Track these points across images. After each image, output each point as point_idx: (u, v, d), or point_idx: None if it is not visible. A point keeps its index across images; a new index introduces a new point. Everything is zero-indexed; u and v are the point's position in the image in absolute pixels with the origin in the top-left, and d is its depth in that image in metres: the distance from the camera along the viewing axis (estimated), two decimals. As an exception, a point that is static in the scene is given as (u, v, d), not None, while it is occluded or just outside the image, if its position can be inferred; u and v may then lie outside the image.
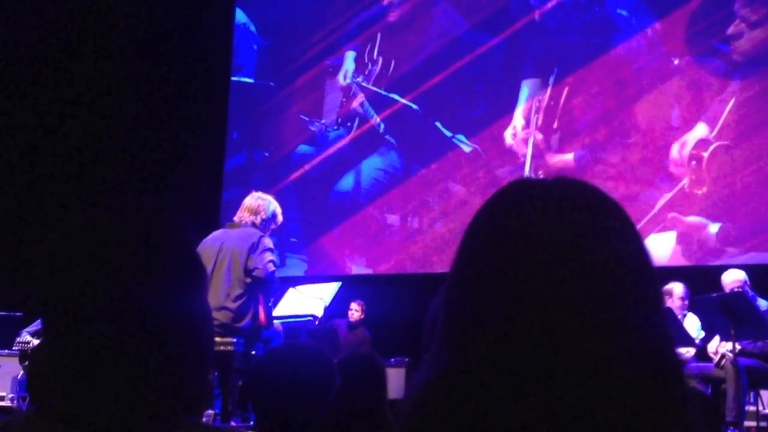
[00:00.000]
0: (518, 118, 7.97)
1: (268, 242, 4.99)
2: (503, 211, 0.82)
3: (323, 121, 8.98)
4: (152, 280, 0.97)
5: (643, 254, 0.80)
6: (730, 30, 7.22)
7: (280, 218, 5.22)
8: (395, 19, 8.78)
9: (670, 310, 5.58)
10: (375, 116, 8.65)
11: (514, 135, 7.93)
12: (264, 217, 5.07)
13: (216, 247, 4.89)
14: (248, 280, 4.88)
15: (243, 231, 4.97)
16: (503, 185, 0.86)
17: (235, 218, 5.15)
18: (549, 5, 8.00)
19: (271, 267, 4.90)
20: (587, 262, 0.75)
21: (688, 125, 7.33)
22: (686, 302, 6.03)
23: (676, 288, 5.96)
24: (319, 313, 5.69)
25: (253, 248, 4.85)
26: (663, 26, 7.56)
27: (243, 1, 9.64)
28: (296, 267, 8.68)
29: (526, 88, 8.00)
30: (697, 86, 7.38)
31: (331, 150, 8.89)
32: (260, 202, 5.10)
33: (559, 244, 0.76)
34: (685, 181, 7.25)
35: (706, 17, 7.38)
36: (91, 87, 9.67)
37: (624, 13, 7.74)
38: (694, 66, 7.42)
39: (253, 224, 5.02)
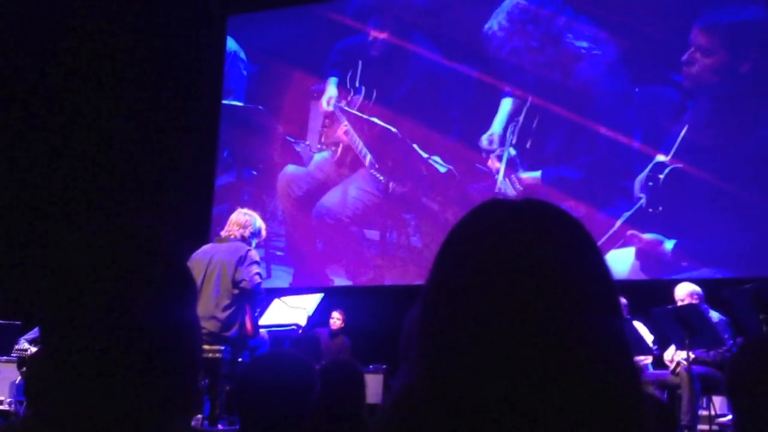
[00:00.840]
0: (497, 126, 8.04)
1: (255, 255, 4.97)
2: (476, 229, 0.82)
3: (308, 143, 8.99)
4: (146, 292, 0.96)
5: (603, 269, 0.81)
6: (685, 57, 7.33)
7: (264, 233, 5.22)
8: (378, 53, 8.84)
9: (629, 321, 5.61)
10: (362, 146, 8.65)
11: (491, 141, 7.99)
12: (251, 231, 5.06)
13: (206, 260, 4.86)
14: (236, 291, 4.85)
15: (231, 245, 4.95)
16: (476, 204, 0.86)
17: (223, 233, 5.13)
18: (504, 52, 8.11)
19: (258, 279, 4.88)
20: (554, 277, 0.76)
21: (646, 148, 7.41)
22: (625, 309, 6.12)
23: None
24: (303, 322, 5.67)
25: (241, 261, 4.83)
26: (623, 54, 7.66)
27: (234, 30, 9.66)
28: (282, 279, 8.65)
29: (505, 106, 8.08)
30: (654, 112, 7.47)
31: (316, 170, 8.89)
32: (247, 218, 5.09)
33: (527, 260, 0.77)
34: (643, 201, 7.32)
35: (661, 47, 7.49)
36: (93, 108, 9.62)
37: (584, 44, 7.83)
38: (651, 94, 7.52)
39: (241, 238, 5.00)
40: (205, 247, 5.06)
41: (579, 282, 0.77)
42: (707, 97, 7.29)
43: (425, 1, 8.68)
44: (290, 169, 8.99)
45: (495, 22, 8.22)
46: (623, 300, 6.05)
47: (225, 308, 4.83)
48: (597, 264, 0.80)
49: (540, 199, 0.85)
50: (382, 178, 8.50)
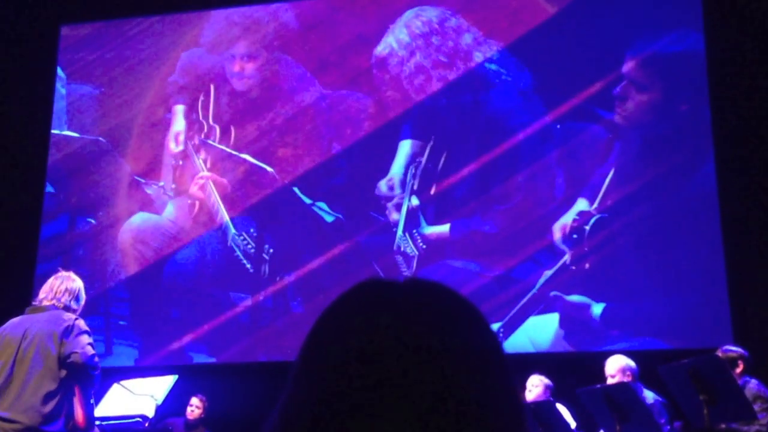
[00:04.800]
0: (397, 169, 8.17)
1: (84, 325, 4.85)
2: (349, 315, 0.85)
3: (162, 184, 8.85)
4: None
5: (493, 354, 0.85)
6: (617, 91, 7.70)
7: (83, 297, 5.11)
8: (245, 76, 8.83)
9: (550, 403, 5.75)
10: (219, 202, 8.59)
11: (391, 187, 8.09)
12: (74, 296, 4.95)
13: (17, 336, 4.70)
14: (62, 373, 4.68)
15: (51, 314, 4.81)
16: (352, 286, 0.89)
17: (38, 301, 4.97)
18: (404, 72, 8.32)
19: (91, 350, 4.75)
20: (431, 368, 0.80)
21: (569, 194, 7.69)
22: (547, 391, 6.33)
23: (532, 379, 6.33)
24: (150, 412, 5.54)
25: (67, 332, 4.70)
26: (540, 86, 7.97)
27: (63, 42, 9.43)
28: (125, 356, 8.41)
29: (405, 148, 8.23)
30: (578, 152, 7.79)
31: (170, 217, 8.75)
32: (68, 283, 4.98)
33: (403, 350, 0.80)
34: (567, 257, 7.55)
35: (588, 81, 7.84)
36: None
37: (494, 67, 8.12)
38: (572, 131, 7.85)
39: (64, 307, 4.87)
40: (15, 320, 4.90)
41: (461, 371, 0.81)
42: (637, 137, 7.66)
43: (308, 13, 8.79)
44: (138, 217, 8.81)
45: (392, 39, 8.40)
46: (546, 381, 6.23)
47: (47, 396, 4.66)
48: (485, 350, 0.85)
49: (424, 279, 0.88)
50: (253, 232, 8.45)
